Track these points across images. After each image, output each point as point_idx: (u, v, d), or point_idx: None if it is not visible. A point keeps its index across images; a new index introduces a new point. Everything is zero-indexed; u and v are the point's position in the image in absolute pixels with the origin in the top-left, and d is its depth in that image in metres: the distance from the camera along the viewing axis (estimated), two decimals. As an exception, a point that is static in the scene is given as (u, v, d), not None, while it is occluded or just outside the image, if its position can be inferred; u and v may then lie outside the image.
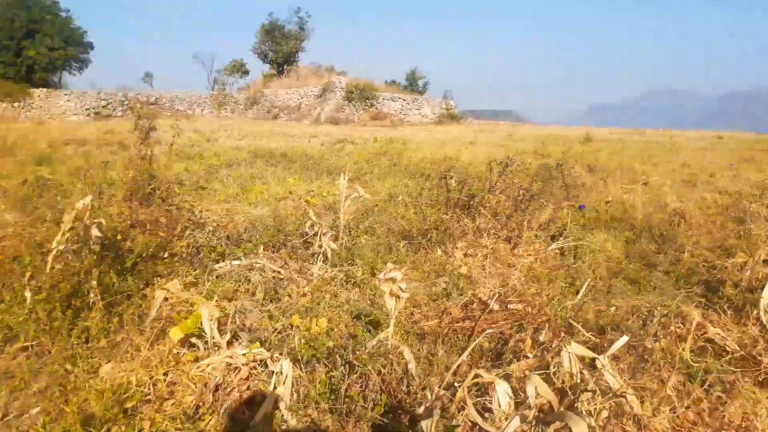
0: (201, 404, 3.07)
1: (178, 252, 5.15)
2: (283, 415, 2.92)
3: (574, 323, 3.74)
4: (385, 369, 3.35)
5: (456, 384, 3.09)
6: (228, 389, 3.20)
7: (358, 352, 3.50)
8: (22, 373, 3.38)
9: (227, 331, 3.64)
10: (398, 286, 3.30)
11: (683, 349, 3.52)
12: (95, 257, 4.23)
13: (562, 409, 2.44)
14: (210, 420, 2.97)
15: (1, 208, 6.59)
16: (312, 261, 5.30)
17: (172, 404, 3.09)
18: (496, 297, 4.44)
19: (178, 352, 3.51)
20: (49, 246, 4.14)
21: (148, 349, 3.51)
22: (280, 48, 42.87)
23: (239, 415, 3.01)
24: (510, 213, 6.50)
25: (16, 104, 30.49)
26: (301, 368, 3.33)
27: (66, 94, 32.39)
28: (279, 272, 4.98)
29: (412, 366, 3.28)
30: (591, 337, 3.66)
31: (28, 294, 3.92)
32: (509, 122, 44.88)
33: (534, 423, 2.34)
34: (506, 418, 2.72)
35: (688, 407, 3.08)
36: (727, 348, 3.68)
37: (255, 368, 3.34)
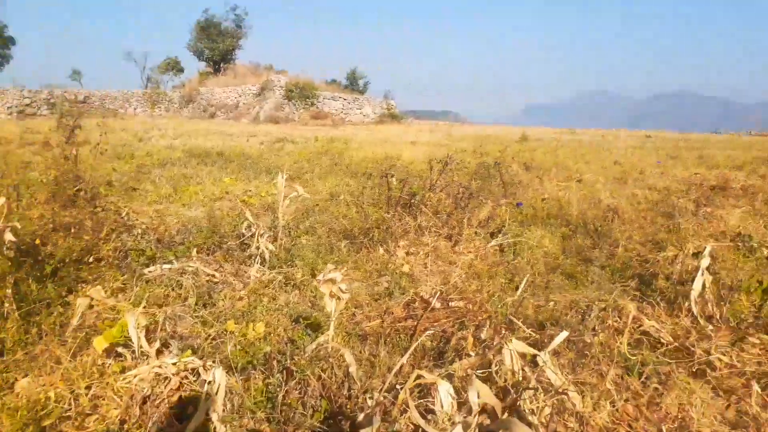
0: (127, 418, 2.87)
1: (104, 256, 4.86)
2: (215, 427, 2.76)
3: (515, 320, 3.75)
4: (325, 373, 3.24)
5: (398, 386, 3.02)
6: (157, 401, 3.00)
7: (296, 357, 3.37)
8: (-76, 393, 3.07)
9: (156, 339, 3.44)
10: (338, 287, 3.19)
11: (621, 343, 3.59)
12: (9, 263, 3.92)
13: (506, 414, 2.41)
14: (137, 435, 2.78)
15: None
16: (249, 263, 5.12)
17: (95, 420, 2.87)
18: (437, 295, 4.41)
19: (102, 364, 3.28)
20: (-45, 253, 3.81)
21: (70, 360, 3.26)
22: (217, 46, 41.81)
23: (168, 428, 2.83)
24: (450, 211, 6.52)
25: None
26: (236, 376, 3.18)
27: (-16, 92, 30.46)
28: (213, 276, 4.78)
29: (353, 369, 3.18)
30: (531, 333, 3.67)
31: (-68, 306, 3.58)
32: (449, 122, 45.49)
33: (477, 430, 2.29)
34: (449, 419, 2.67)
35: (627, 400, 3.12)
36: (662, 340, 3.78)
37: (186, 378, 3.15)
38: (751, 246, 4.94)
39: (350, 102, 36.26)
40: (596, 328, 3.82)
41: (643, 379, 3.33)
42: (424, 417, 2.77)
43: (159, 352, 3.37)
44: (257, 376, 3.25)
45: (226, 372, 3.16)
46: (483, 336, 3.53)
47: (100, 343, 3.34)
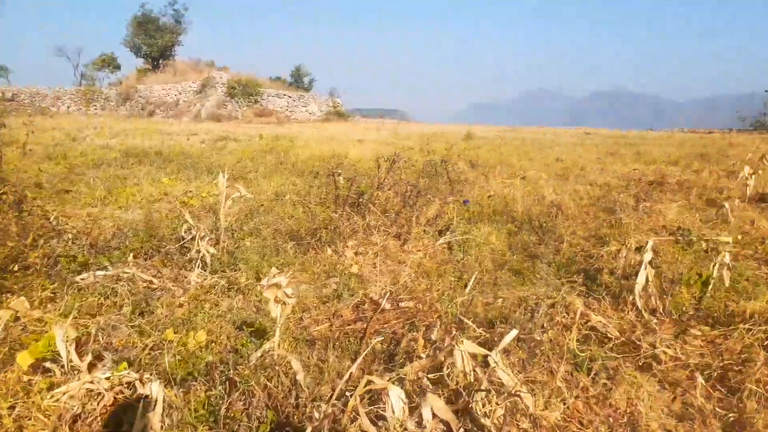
0: (55, 441, 2.65)
1: (31, 264, 4.54)
2: (152, 446, 2.58)
3: (465, 319, 3.70)
4: (271, 382, 3.10)
5: (348, 392, 2.91)
6: (88, 419, 2.79)
7: (240, 366, 3.22)
8: None
9: (88, 352, 3.20)
10: (284, 292, 3.05)
11: (570, 339, 3.60)
12: None
13: (459, 418, 2.34)
14: (65, 459, 2.57)
15: None
16: (189, 268, 4.90)
17: (19, 443, 2.64)
18: (387, 296, 4.32)
19: (28, 381, 3.03)
20: None
21: (-9, 379, 3.00)
22: (155, 42, 40.34)
23: (101, 450, 2.63)
24: (399, 209, 6.45)
25: None
26: (175, 389, 2.99)
27: None
28: (151, 282, 4.54)
29: (300, 377, 3.06)
30: (482, 332, 3.64)
31: None
32: (395, 120, 45.64)
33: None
34: (401, 426, 2.58)
35: (577, 397, 3.12)
36: (609, 335, 3.82)
37: (121, 393, 2.95)
38: (690, 239, 5.09)
39: (295, 99, 35.79)
40: (545, 325, 3.82)
41: (592, 375, 3.35)
42: (375, 424, 2.67)
43: (91, 366, 3.14)
44: (198, 388, 3.08)
45: (165, 384, 2.99)
46: (433, 337, 3.46)
47: (24, 359, 3.10)
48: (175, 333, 3.66)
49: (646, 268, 4.29)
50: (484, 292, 4.62)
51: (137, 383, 2.94)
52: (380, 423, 2.69)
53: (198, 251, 4.94)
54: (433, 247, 5.73)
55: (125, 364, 3.17)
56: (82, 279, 4.45)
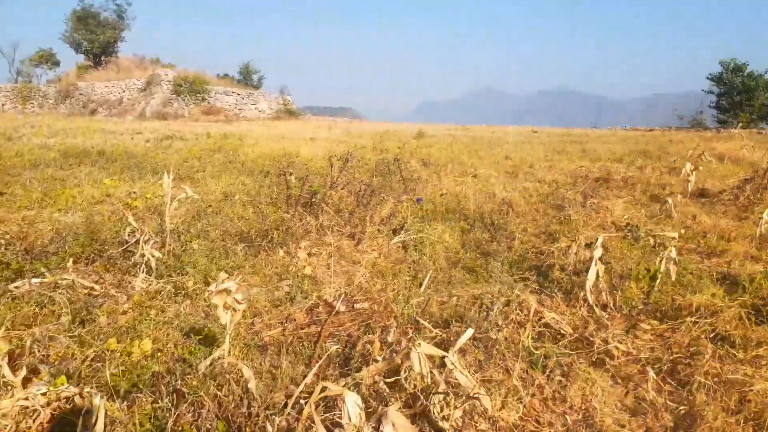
0: (-16, 464, 2.45)
1: (-42, 272, 4.24)
2: (93, 466, 2.42)
3: (421, 320, 3.66)
4: (221, 391, 2.97)
5: (302, 400, 2.81)
6: (23, 440, 2.60)
7: (189, 376, 3.07)
8: None
9: (23, 365, 2.99)
10: (233, 297, 2.93)
11: (525, 337, 3.61)
12: None
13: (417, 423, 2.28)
14: (-4, 485, 2.37)
15: None
16: (133, 273, 4.67)
17: (-57, 470, 2.43)
18: (342, 298, 4.24)
19: (-45, 400, 2.80)
20: None
21: None
22: (96, 37, 38.76)
23: (36, 473, 2.44)
24: (353, 209, 6.37)
25: None
26: (118, 402, 2.82)
27: None
28: (92, 288, 4.31)
29: (252, 385, 2.94)
30: (438, 332, 3.60)
31: None
32: (347, 119, 45.46)
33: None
34: (358, 432, 2.51)
35: (533, 395, 3.12)
36: (562, 331, 3.85)
37: (60, 409, 2.76)
38: (638, 235, 5.21)
39: (244, 97, 35.11)
40: (500, 323, 3.82)
41: (547, 372, 3.36)
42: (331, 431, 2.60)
43: (26, 381, 2.93)
44: (144, 400, 2.91)
45: (108, 398, 2.82)
46: (390, 339, 3.41)
47: (-51, 377, 2.86)
48: (118, 342, 3.48)
49: (596, 264, 4.36)
50: (439, 291, 4.59)
51: (77, 398, 2.77)
52: (336, 430, 2.61)
53: (142, 255, 4.72)
54: (387, 247, 5.68)
55: (64, 377, 2.98)
56: (16, 287, 4.18)
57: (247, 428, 2.77)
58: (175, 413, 2.76)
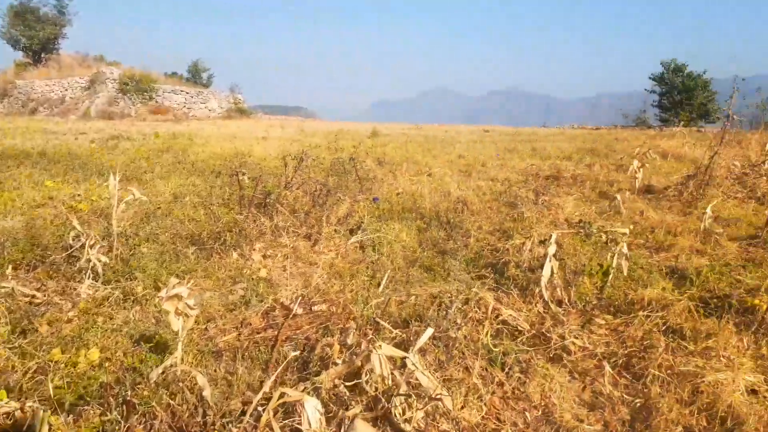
0: None
1: None
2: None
3: (381, 321, 3.62)
4: (174, 400, 2.85)
5: (260, 407, 2.72)
6: (-43, 462, 2.42)
7: (139, 386, 2.94)
8: None
9: (-43, 381, 2.80)
10: (185, 302, 2.81)
11: (484, 334, 3.62)
12: None
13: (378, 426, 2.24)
14: None
15: None
16: (79, 279, 4.46)
17: None
18: (299, 300, 4.15)
19: None
20: None
21: None
22: (36, 33, 37.02)
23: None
24: (308, 209, 6.28)
25: None
26: (63, 416, 2.67)
27: None
28: (34, 296, 4.09)
29: (207, 392, 2.83)
30: (398, 333, 3.57)
31: None
32: (300, 117, 45.01)
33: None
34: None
35: (493, 393, 3.13)
36: (520, 328, 3.88)
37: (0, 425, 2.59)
38: (590, 231, 5.32)
39: (194, 96, 34.23)
40: (458, 321, 3.82)
41: (506, 369, 3.38)
42: (290, 439, 2.53)
43: (-40, 398, 2.75)
44: (91, 413, 2.78)
45: (52, 412, 2.66)
46: (349, 341, 3.35)
47: None
48: (62, 352, 3.31)
49: (550, 261, 4.41)
50: (398, 291, 4.56)
51: (18, 413, 2.60)
52: (296, 437, 2.54)
53: (88, 260, 4.51)
54: (344, 247, 5.62)
55: (3, 391, 2.82)
56: (-52, 297, 3.92)
57: (203, 438, 2.67)
58: (125, 426, 2.64)
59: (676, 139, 15.92)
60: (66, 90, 33.27)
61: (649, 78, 31.25)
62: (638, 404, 3.07)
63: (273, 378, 2.74)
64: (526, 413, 3.00)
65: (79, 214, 6.17)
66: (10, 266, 4.52)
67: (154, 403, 2.77)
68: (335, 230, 6.00)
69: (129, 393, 2.84)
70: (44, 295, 4.17)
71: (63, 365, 3.18)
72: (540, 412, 3.03)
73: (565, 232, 5.63)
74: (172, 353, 3.16)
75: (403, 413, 2.60)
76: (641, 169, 8.96)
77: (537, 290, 4.37)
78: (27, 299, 4.07)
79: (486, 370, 3.37)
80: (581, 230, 5.25)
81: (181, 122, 28.00)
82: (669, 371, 3.27)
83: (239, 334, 3.76)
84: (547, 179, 10.34)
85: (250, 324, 3.92)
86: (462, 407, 2.95)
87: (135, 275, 4.60)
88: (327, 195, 6.64)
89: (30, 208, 6.88)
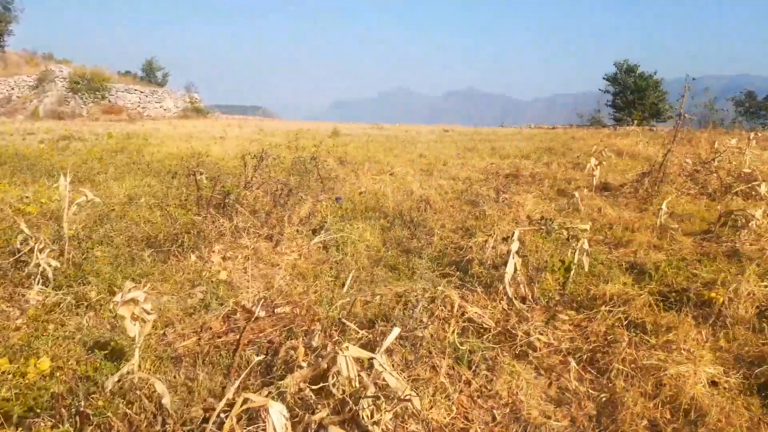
0: None
1: None
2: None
3: (347, 321, 3.56)
4: (132, 409, 2.73)
5: (223, 414, 2.63)
6: None
7: (94, 396, 2.80)
8: None
9: None
10: (141, 307, 2.69)
11: (450, 333, 3.60)
12: None
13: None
14: None
15: None
16: (27, 285, 4.25)
17: None
18: (261, 302, 4.05)
19: None
20: None
21: None
22: (-22, 30, 35.44)
23: None
24: (269, 209, 6.16)
25: None
26: (12, 429, 2.52)
27: None
28: (-22, 304, 3.86)
29: (166, 400, 2.72)
30: (364, 333, 3.52)
31: None
32: (258, 117, 44.37)
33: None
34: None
35: (461, 392, 3.11)
36: (485, 325, 3.88)
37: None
38: (552, 228, 5.38)
39: (148, 95, 33.33)
40: (424, 320, 3.79)
41: (473, 367, 3.36)
42: (255, 445, 2.45)
43: None
44: (42, 425, 2.63)
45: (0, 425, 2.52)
46: (314, 343, 3.28)
47: None
48: (10, 362, 3.13)
49: (513, 258, 4.43)
50: (363, 291, 4.51)
51: (-40, 430, 2.45)
52: (261, 444, 2.46)
53: (37, 265, 4.30)
54: (307, 247, 5.53)
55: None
56: None
57: (162, 448, 2.57)
58: (78, 438, 2.51)
59: (630, 138, 16.36)
60: (12, 89, 31.90)
61: (603, 78, 32.02)
62: (604, 399, 3.10)
63: (236, 383, 2.65)
64: (494, 411, 2.99)
65: (27, 216, 5.89)
66: (-49, 273, 4.28)
67: (109, 413, 2.64)
68: (297, 230, 5.90)
69: (82, 403, 2.71)
70: (-11, 303, 3.95)
71: (11, 376, 3.02)
72: (508, 410, 3.02)
73: (526, 229, 5.67)
74: (128, 360, 3.03)
75: (372, 415, 2.55)
76: (598, 167, 9.15)
77: (501, 287, 4.38)
78: (-30, 307, 3.86)
79: (453, 368, 3.35)
80: (543, 227, 5.30)
81: (135, 122, 27.24)
82: (632, 365, 3.32)
83: (199, 339, 3.64)
84: (507, 178, 10.46)
85: (211, 328, 3.80)
86: (430, 407, 2.92)
87: (88, 280, 4.42)
88: (288, 195, 6.53)
89: (-27, 212, 6.53)
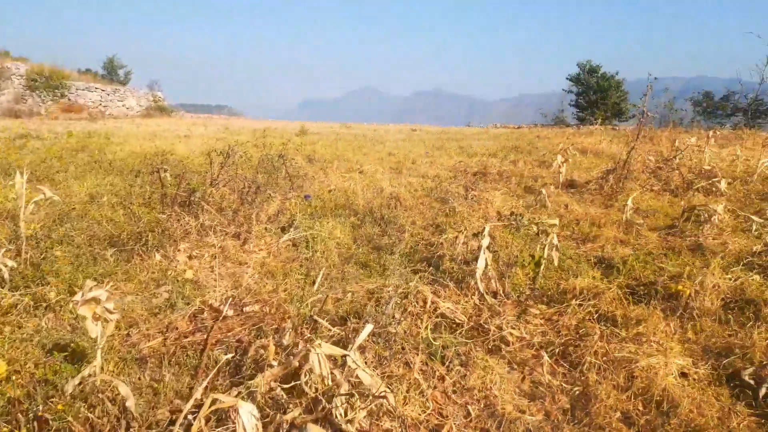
0: None
1: None
2: None
3: (319, 318, 3.50)
4: (94, 413, 2.62)
5: (190, 415, 2.54)
6: None
7: (53, 399, 2.68)
8: None
9: None
10: (103, 307, 2.58)
11: (423, 328, 3.57)
12: None
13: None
14: None
15: None
16: (-19, 286, 4.06)
17: None
18: (229, 301, 3.96)
19: None
20: None
21: None
22: (-72, 23, 34.05)
23: None
24: (236, 207, 6.03)
25: None
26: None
27: None
28: (-73, 307, 3.67)
29: (130, 403, 2.62)
30: (336, 331, 3.46)
31: None
32: (224, 116, 43.68)
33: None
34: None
35: (435, 387, 3.08)
36: (457, 320, 3.87)
37: None
38: (522, 224, 5.41)
39: (110, 93, 32.48)
40: (396, 316, 3.75)
41: (447, 363, 3.34)
42: (225, 447, 2.37)
43: None
44: (-1, 432, 2.50)
45: (-51, 435, 2.38)
46: (285, 341, 3.21)
47: None
48: (-39, 368, 2.97)
49: (484, 253, 4.43)
50: (334, 288, 4.45)
51: None
52: (231, 445, 2.39)
53: (-7, 266, 4.11)
54: (276, 245, 5.43)
55: None
56: None
57: (127, 452, 2.47)
58: (37, 444, 2.39)
59: (594, 137, 16.65)
60: (-34, 87, 30.75)
61: (567, 79, 32.57)
62: (577, 392, 3.12)
63: (203, 384, 2.57)
64: (469, 407, 2.97)
65: (-20, 216, 5.65)
66: None
67: (70, 418, 2.53)
68: (266, 228, 5.80)
69: (40, 408, 2.58)
70: (-60, 306, 3.76)
71: (-37, 381, 2.87)
72: (482, 405, 3.00)
73: (496, 225, 5.70)
74: (90, 362, 2.92)
75: (345, 414, 2.50)
76: (564, 164, 9.27)
77: (472, 282, 4.38)
78: None
79: (426, 364, 3.32)
80: (513, 222, 5.33)
81: (96, 121, 26.51)
82: (604, 358, 3.35)
83: (165, 339, 3.53)
84: (475, 175, 10.51)
85: (177, 328, 3.69)
86: (404, 404, 2.88)
87: (47, 280, 4.24)
88: (256, 192, 6.41)
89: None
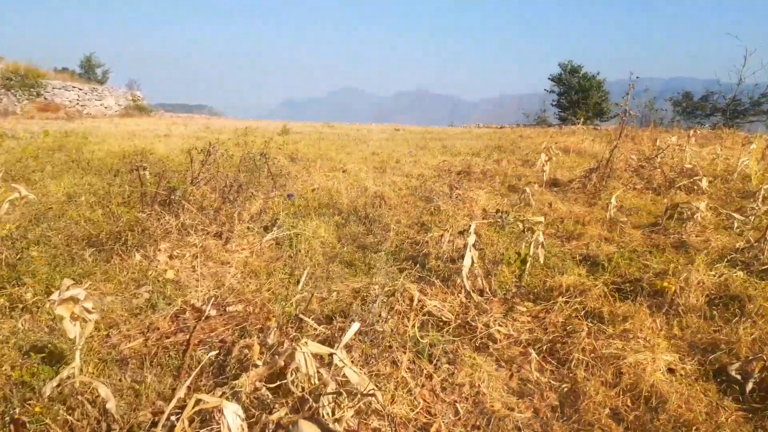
0: None
1: None
2: None
3: (304, 317, 3.44)
4: (73, 415, 2.54)
5: (173, 416, 2.47)
6: None
7: (30, 402, 2.59)
8: None
9: None
10: (82, 306, 2.50)
11: (410, 326, 3.53)
12: None
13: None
14: None
15: None
16: (-46, 287, 3.93)
17: None
18: (212, 301, 3.88)
19: None
20: None
21: None
22: None
23: None
24: (218, 206, 5.94)
25: None
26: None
27: None
28: None
29: (111, 404, 2.55)
30: (322, 330, 3.41)
31: None
32: (205, 116, 43.25)
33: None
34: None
35: (423, 386, 3.04)
36: (444, 318, 3.83)
37: None
38: (507, 222, 5.41)
39: (88, 92, 31.93)
40: (383, 314, 3.71)
41: (434, 361, 3.31)
42: (209, 449, 2.31)
43: None
44: (-27, 438, 2.41)
45: None
46: (270, 341, 3.15)
47: None
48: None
49: (470, 251, 4.41)
50: (318, 287, 4.39)
51: None
52: (215, 447, 2.33)
53: (-35, 266, 3.99)
54: (259, 245, 5.36)
55: None
56: None
57: (108, 456, 2.39)
58: (13, 449, 2.30)
59: (576, 136, 16.77)
60: (-61, 85, 30.04)
61: (549, 79, 32.80)
62: (565, 389, 3.10)
63: (186, 384, 2.50)
64: (457, 405, 2.94)
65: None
66: None
67: (48, 420, 2.45)
68: (248, 228, 5.71)
69: (17, 410, 2.50)
70: None
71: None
72: (470, 403, 2.97)
73: (481, 223, 5.69)
74: (68, 364, 2.83)
75: (333, 413, 2.45)
76: (548, 163, 9.31)
77: (459, 280, 4.35)
78: None
79: (414, 362, 3.28)
80: (499, 220, 5.32)
81: (74, 120, 26.06)
82: (592, 355, 3.34)
83: (146, 340, 3.44)
84: (459, 174, 10.51)
85: (158, 328, 3.61)
86: (392, 402, 2.84)
87: (23, 281, 4.12)
88: (238, 191, 6.32)
89: None
